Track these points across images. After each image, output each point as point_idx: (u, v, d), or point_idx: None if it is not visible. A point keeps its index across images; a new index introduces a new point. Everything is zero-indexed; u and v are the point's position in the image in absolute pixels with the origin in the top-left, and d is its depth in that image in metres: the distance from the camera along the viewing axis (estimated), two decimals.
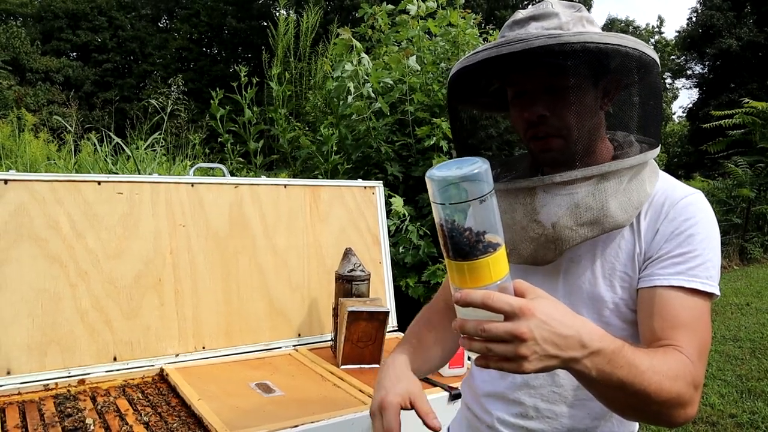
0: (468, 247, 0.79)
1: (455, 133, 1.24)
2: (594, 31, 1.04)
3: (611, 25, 37.68)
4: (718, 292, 1.01)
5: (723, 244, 9.71)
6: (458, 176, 0.77)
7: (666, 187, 1.08)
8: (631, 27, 38.85)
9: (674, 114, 33.83)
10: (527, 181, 1.06)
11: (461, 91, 1.17)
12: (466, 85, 1.16)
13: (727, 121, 11.03)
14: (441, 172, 0.79)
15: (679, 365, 0.92)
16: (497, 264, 0.81)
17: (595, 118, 1.07)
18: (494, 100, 1.22)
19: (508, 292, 0.82)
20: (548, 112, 1.04)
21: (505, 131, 1.27)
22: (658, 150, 1.08)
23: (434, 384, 1.90)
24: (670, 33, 59.80)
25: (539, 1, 1.11)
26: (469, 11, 4.36)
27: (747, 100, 11.00)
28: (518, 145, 1.28)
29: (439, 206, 0.79)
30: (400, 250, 3.49)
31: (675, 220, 1.03)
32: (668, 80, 32.40)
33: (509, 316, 0.78)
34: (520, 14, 1.09)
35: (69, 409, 1.65)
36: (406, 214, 3.51)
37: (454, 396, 1.82)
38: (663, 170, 1.13)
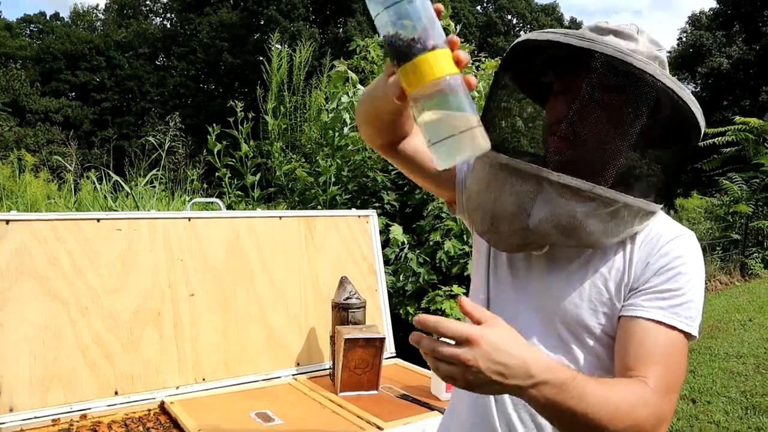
0: (407, 48, 0.84)
1: (490, 100, 1.17)
2: (661, 70, 1.00)
3: None
4: (696, 334, 1.03)
5: (723, 260, 9.74)
6: None
7: (662, 224, 1.10)
8: None
9: None
10: (526, 165, 1.03)
11: (516, 62, 1.13)
12: (523, 59, 1.12)
13: (720, 138, 11.12)
14: None
15: (639, 397, 0.95)
16: (439, 60, 0.85)
17: (617, 149, 1.01)
18: (537, 90, 1.18)
19: (459, 86, 0.85)
20: (577, 118, 1.01)
21: (532, 120, 1.23)
22: (658, 208, 1.07)
23: (431, 408, 1.92)
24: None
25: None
26: (462, 40, 4.45)
27: (737, 117, 11.10)
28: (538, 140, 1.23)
29: (382, 15, 0.85)
30: (401, 278, 3.52)
31: (667, 256, 1.05)
32: None
33: (458, 342, 0.83)
34: (605, 24, 1.07)
35: None
36: (405, 242, 3.55)
37: None
38: None
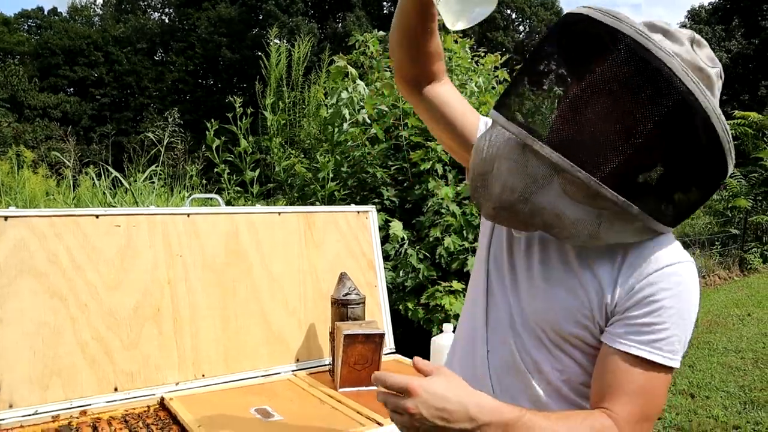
0: None
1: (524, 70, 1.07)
2: (699, 81, 0.91)
3: None
4: (678, 366, 1.01)
5: (722, 255, 9.74)
6: None
7: (659, 246, 1.04)
8: None
9: None
10: (517, 129, 0.98)
11: (559, 34, 1.02)
12: (561, 34, 1.02)
13: None
14: None
15: (596, 430, 0.96)
16: None
17: (611, 141, 0.93)
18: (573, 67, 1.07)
19: None
20: (579, 97, 0.95)
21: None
22: (666, 230, 1.01)
23: None
24: None
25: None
26: (461, 35, 4.43)
27: (736, 112, 11.10)
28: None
29: None
30: (400, 274, 3.52)
31: (653, 286, 1.01)
32: None
33: (402, 393, 0.91)
34: (658, 22, 1.01)
35: None
36: (405, 237, 3.54)
37: None
38: None
